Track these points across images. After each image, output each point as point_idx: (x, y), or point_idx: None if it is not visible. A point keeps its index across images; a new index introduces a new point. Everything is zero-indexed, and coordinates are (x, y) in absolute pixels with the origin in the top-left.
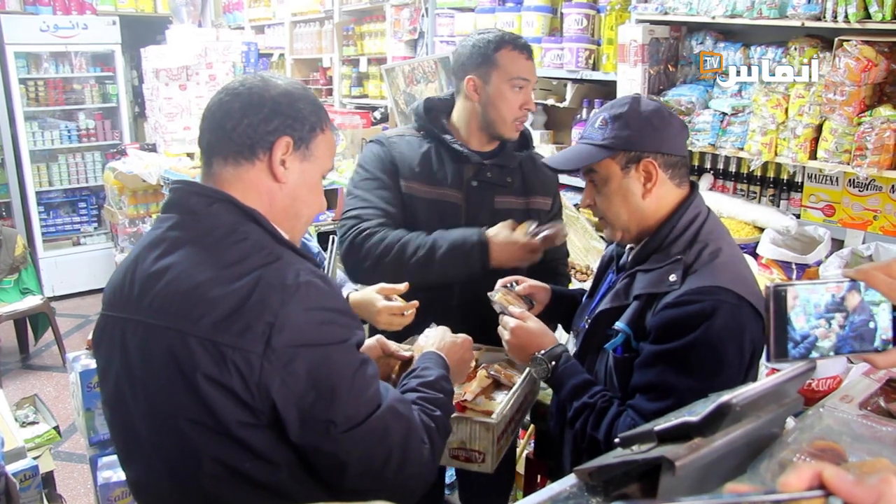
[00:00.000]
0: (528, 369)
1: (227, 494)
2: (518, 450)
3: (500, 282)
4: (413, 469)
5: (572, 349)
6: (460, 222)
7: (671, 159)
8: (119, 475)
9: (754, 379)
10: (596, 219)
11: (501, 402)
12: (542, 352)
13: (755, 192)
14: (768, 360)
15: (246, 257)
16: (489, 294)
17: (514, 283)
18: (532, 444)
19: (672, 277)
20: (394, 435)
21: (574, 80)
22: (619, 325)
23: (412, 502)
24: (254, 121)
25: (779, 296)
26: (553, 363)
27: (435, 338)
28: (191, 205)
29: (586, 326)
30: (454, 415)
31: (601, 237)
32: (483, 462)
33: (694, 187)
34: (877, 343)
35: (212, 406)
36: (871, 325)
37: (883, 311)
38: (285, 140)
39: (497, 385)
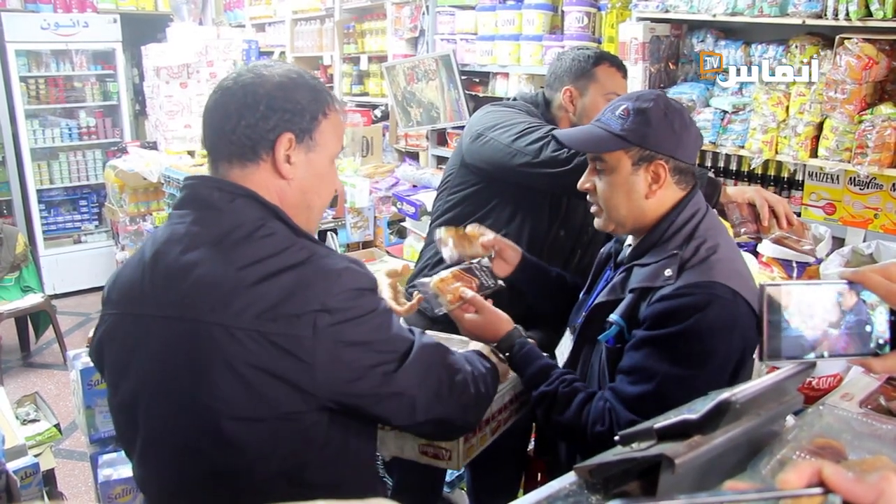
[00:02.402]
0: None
1: (264, 492)
2: None
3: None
4: (462, 389)
5: (569, 344)
6: (558, 211)
7: (681, 165)
8: (119, 473)
9: (748, 376)
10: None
11: None
12: (495, 344)
13: None
14: (761, 359)
15: (280, 251)
16: (418, 281)
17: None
18: (532, 442)
19: (668, 272)
20: (435, 359)
21: None
22: (613, 317)
23: (465, 433)
24: (251, 121)
25: (772, 295)
26: (507, 354)
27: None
28: (212, 200)
29: (582, 321)
30: None
31: None
32: (450, 460)
33: (694, 185)
34: (873, 346)
35: (264, 396)
36: (868, 327)
37: (880, 314)
38: (287, 136)
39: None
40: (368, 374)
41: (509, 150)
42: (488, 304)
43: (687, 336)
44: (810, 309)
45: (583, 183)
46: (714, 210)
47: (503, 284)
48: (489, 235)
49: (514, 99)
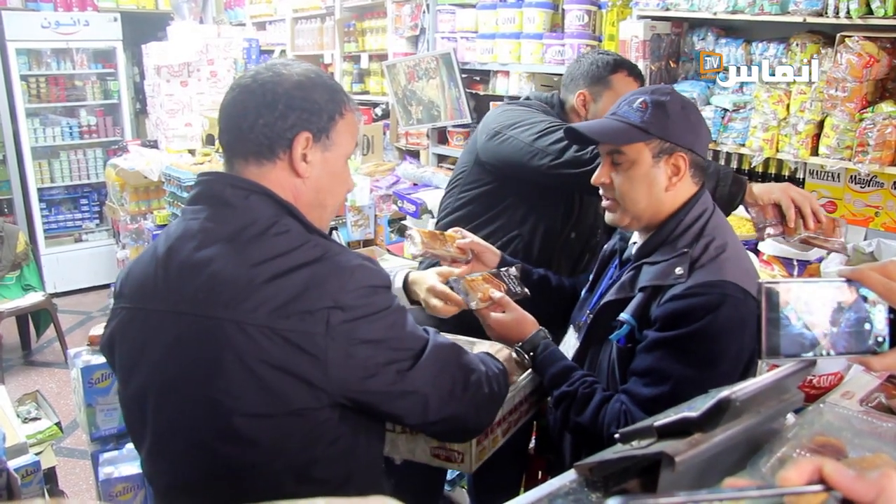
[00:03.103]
0: (528, 371)
1: (271, 488)
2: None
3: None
4: (476, 388)
5: (573, 343)
6: (571, 213)
7: (697, 158)
8: (120, 471)
9: (754, 374)
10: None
11: None
12: (520, 343)
13: None
14: (760, 357)
15: (293, 248)
16: (451, 278)
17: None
18: (533, 440)
19: (678, 270)
20: (450, 358)
21: None
22: (623, 316)
23: (476, 435)
24: (269, 119)
25: (771, 293)
26: (531, 353)
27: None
28: (226, 196)
29: (587, 320)
30: None
31: None
32: (462, 462)
33: (703, 184)
34: (871, 343)
35: (276, 392)
36: (867, 325)
37: (879, 312)
38: (304, 136)
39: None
40: (382, 372)
41: (531, 149)
42: (516, 304)
43: (700, 337)
44: (809, 307)
45: (598, 177)
46: (721, 208)
47: (528, 293)
48: (468, 238)
49: (528, 98)
